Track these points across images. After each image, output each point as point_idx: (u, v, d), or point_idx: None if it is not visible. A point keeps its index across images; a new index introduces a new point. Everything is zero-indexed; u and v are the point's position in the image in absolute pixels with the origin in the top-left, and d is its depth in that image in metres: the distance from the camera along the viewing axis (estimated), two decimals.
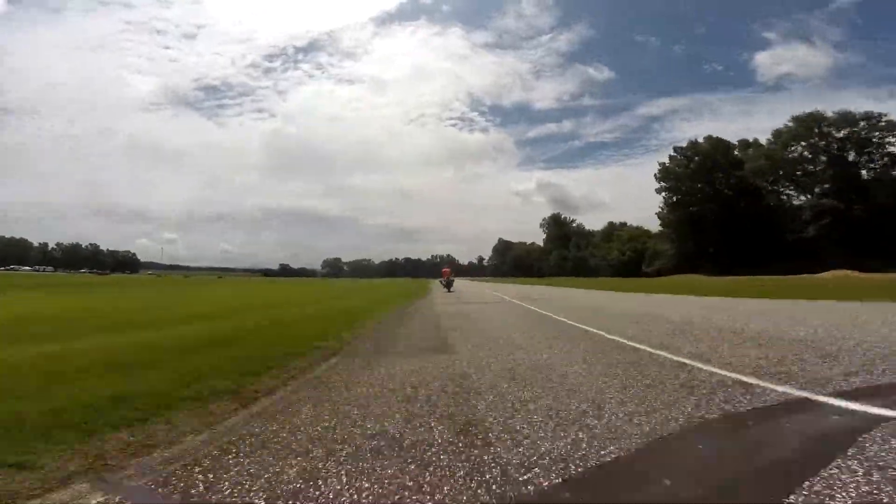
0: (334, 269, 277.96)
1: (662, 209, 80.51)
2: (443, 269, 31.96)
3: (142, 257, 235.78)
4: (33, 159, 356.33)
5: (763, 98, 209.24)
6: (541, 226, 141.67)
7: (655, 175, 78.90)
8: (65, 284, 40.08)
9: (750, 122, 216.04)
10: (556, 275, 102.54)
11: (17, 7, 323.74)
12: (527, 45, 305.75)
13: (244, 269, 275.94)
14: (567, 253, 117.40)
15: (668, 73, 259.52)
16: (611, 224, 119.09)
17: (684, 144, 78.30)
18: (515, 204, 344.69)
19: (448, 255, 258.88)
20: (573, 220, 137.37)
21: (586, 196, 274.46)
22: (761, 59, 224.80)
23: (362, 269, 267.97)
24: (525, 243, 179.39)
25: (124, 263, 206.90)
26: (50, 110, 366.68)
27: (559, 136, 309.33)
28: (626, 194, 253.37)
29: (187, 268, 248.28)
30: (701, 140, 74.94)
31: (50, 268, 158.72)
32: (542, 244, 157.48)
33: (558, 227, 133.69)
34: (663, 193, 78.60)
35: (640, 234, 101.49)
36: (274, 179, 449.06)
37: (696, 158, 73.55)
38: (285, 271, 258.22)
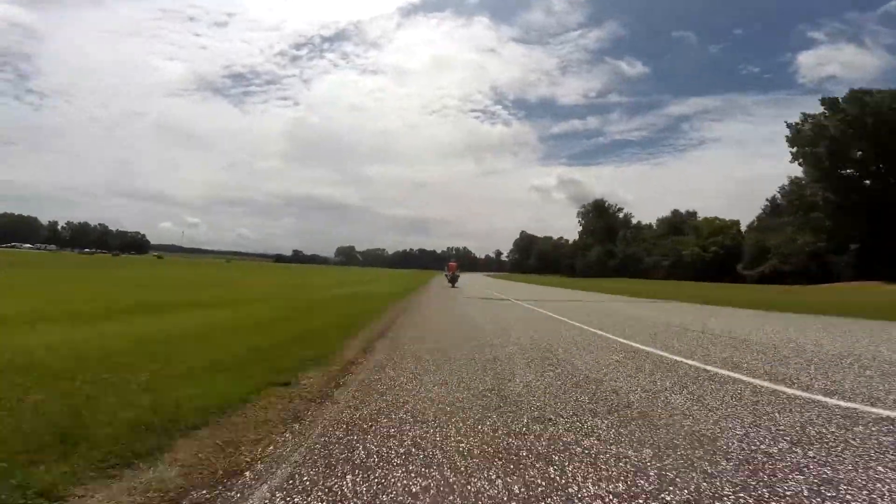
0: (347, 257, 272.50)
1: (795, 185, 57.08)
2: (448, 263, 28.93)
3: (163, 240, 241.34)
4: (67, 141, 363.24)
5: (800, 100, 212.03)
6: (578, 214, 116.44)
7: (787, 137, 54.77)
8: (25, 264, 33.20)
9: (783, 126, 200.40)
10: (596, 275, 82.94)
11: None
12: (554, 40, 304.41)
13: (258, 254, 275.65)
14: (613, 248, 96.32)
15: (701, 73, 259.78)
16: (676, 213, 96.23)
17: (841, 93, 52.27)
18: (534, 200, 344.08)
19: (463, 248, 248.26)
20: (620, 209, 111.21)
21: (607, 194, 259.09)
22: (804, 59, 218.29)
23: (375, 259, 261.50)
24: (551, 238, 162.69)
25: (133, 244, 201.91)
26: (84, 94, 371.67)
27: (583, 133, 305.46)
28: (650, 194, 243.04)
29: (204, 251, 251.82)
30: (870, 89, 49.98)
31: (53, 246, 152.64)
32: (572, 238, 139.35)
33: (601, 217, 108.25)
34: (799, 162, 54.55)
35: (725, 225, 79.97)
36: (293, 167, 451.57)
37: (867, 113, 47.59)
38: (298, 258, 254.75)
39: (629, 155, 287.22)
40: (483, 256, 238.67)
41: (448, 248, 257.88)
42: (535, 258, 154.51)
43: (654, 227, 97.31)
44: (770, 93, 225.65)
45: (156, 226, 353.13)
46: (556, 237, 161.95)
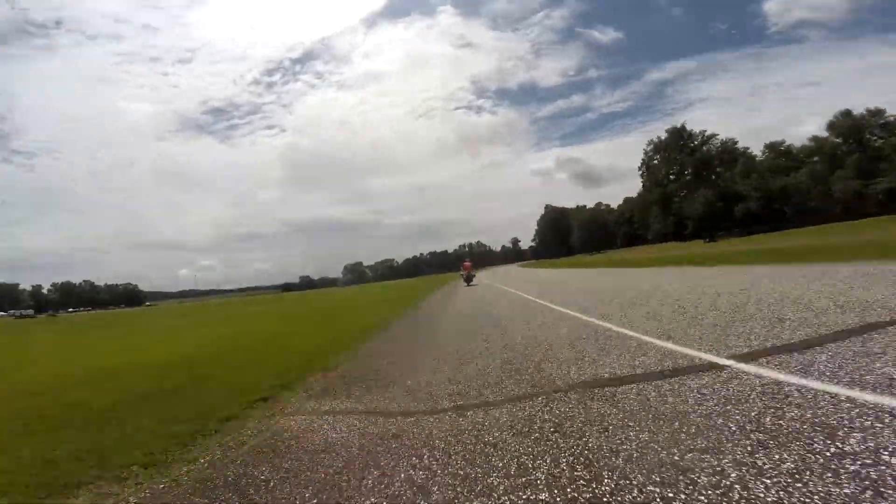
0: (356, 274, 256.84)
1: None
2: (463, 263, 27.74)
3: (182, 286, 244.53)
4: (67, 199, 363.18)
5: (775, 52, 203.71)
6: (643, 161, 75.60)
7: None
8: None
9: (766, 77, 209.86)
10: (696, 237, 55.80)
11: (8, 47, 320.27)
12: (522, 25, 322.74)
13: (275, 285, 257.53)
14: (726, 188, 58.35)
15: (672, 36, 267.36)
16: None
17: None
18: (537, 184, 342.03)
19: (477, 243, 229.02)
20: (705, 134, 67.77)
21: (610, 167, 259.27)
22: (770, 6, 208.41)
23: (385, 271, 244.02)
24: (585, 206, 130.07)
25: (124, 297, 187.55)
26: (70, 148, 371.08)
27: (571, 111, 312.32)
28: None
29: (223, 291, 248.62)
30: None
31: (30, 311, 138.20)
32: (616, 206, 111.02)
33: (679, 152, 68.32)
34: None
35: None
36: (294, 193, 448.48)
37: None
38: (306, 283, 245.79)
39: (621, 126, 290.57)
40: (499, 249, 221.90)
41: (460, 245, 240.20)
42: (568, 235, 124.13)
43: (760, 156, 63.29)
44: (744, 47, 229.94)
45: (174, 274, 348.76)
46: (593, 204, 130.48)
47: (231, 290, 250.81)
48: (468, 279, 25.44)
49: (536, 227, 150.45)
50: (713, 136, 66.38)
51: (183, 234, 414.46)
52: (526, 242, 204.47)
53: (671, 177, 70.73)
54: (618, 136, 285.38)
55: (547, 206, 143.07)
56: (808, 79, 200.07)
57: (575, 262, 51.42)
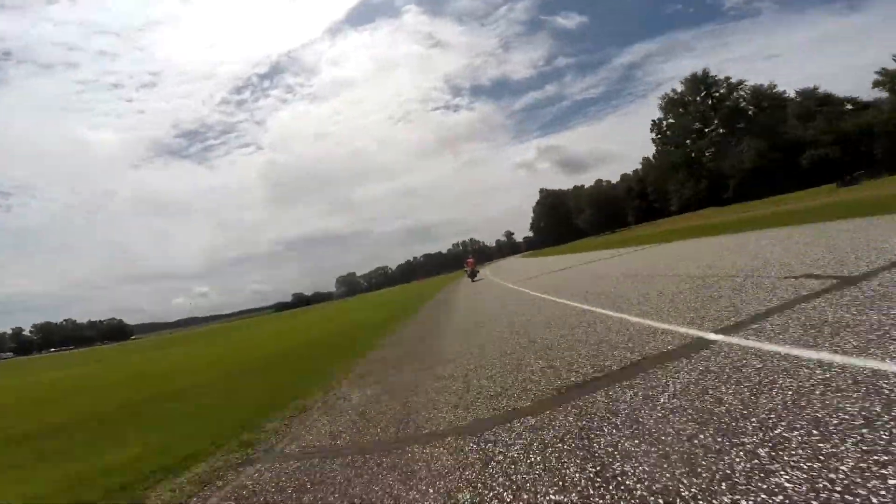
0: (350, 285, 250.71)
1: None
2: (466, 260, 28.11)
3: (181, 315, 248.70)
4: (52, 237, 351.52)
5: (732, 28, 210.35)
6: (654, 124, 65.52)
7: None
8: None
9: (728, 53, 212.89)
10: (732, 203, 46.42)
11: None
12: (488, 21, 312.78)
13: (270, 305, 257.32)
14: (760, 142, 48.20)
15: (633, 19, 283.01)
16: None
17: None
18: (522, 177, 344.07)
19: (470, 240, 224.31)
20: (730, 81, 57.44)
21: (591, 151, 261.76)
22: None
23: (380, 279, 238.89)
24: (583, 187, 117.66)
25: (110, 333, 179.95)
26: (46, 184, 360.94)
27: (545, 101, 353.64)
28: (632, 140, 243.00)
29: (221, 316, 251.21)
30: None
31: (9, 354, 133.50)
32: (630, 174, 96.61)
33: (700, 104, 58.61)
34: None
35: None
36: (280, 210, 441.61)
37: None
38: (301, 300, 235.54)
39: (596, 112, 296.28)
40: (494, 244, 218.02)
41: (454, 244, 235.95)
42: (567, 220, 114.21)
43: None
44: (702, 26, 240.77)
45: (169, 304, 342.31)
46: (593, 182, 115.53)
47: (229, 315, 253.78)
48: (472, 275, 25.27)
49: (532, 216, 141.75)
50: (741, 82, 55.85)
51: (173, 263, 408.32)
52: (520, 234, 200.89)
53: (694, 134, 60.56)
54: (594, 121, 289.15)
55: (542, 191, 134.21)
56: (769, 51, 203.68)
57: (584, 245, 45.42)
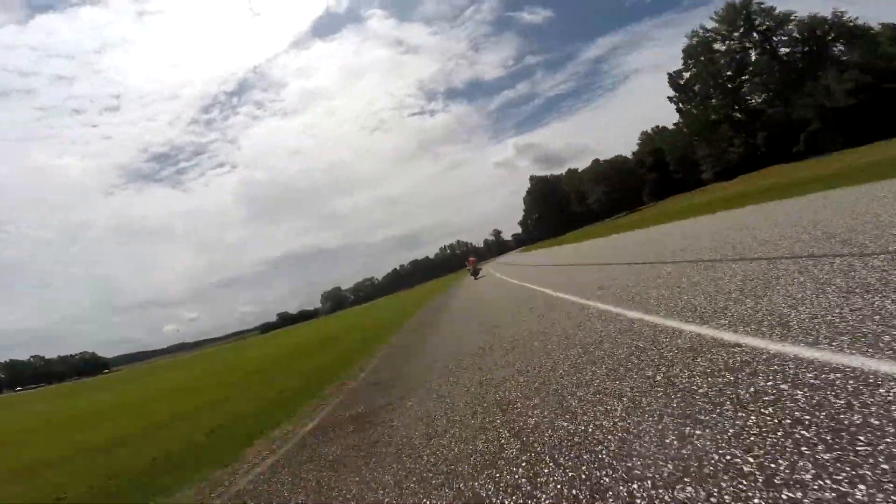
0: (335, 300, 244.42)
1: None
2: (468, 259, 30.43)
3: (170, 342, 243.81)
4: (30, 275, 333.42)
5: (689, 16, 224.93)
6: (671, 77, 54.70)
7: None
8: None
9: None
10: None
11: None
12: (456, 23, 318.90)
13: (254, 327, 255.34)
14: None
15: (593, 11, 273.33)
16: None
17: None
18: (502, 175, 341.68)
19: (458, 242, 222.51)
20: (775, 11, 44.57)
21: (567, 146, 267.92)
22: None
23: (367, 290, 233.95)
24: (576, 170, 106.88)
25: (84, 368, 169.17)
26: (17, 217, 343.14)
27: (519, 100, 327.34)
28: (606, 132, 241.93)
29: (213, 340, 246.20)
30: None
31: None
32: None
33: (739, 41, 47.18)
34: None
35: None
36: (262, 229, 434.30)
37: None
38: (287, 319, 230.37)
39: (567, 107, 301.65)
40: (482, 244, 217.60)
41: (441, 248, 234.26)
42: (564, 206, 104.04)
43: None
44: (660, 16, 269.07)
45: (159, 331, 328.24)
46: (599, 160, 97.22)
47: (219, 339, 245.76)
48: (475, 273, 26.61)
49: (524, 208, 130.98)
50: (790, 13, 43.48)
51: (159, 291, 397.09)
52: (508, 232, 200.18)
53: (739, 78, 47.85)
54: (568, 116, 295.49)
55: (532, 178, 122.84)
56: None
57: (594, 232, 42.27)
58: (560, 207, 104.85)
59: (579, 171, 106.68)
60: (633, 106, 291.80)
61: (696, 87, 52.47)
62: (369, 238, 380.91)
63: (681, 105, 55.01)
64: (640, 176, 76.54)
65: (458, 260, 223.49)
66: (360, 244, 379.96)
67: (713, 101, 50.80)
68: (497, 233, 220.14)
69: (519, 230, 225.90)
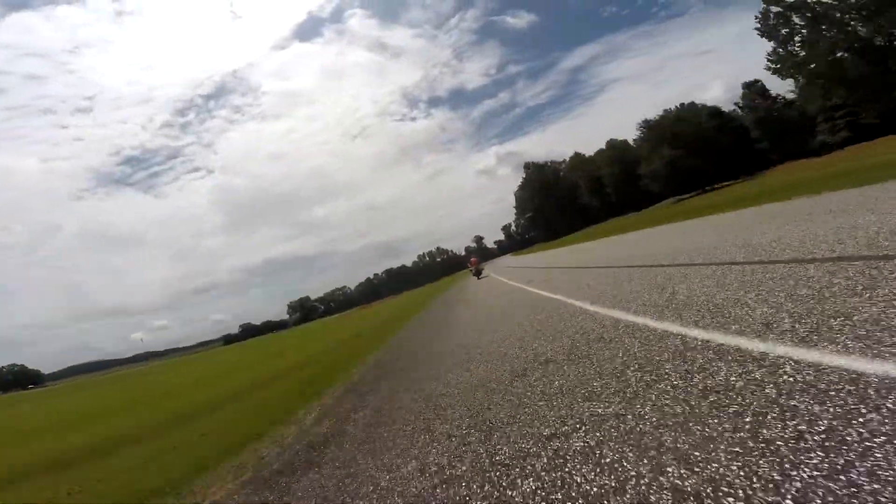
0: (304, 311, 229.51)
1: None
2: (470, 260, 31.57)
3: (138, 350, 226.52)
4: None
5: (665, 27, 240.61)
6: (758, 19, 37.12)
7: None
8: None
9: (665, 51, 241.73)
10: None
11: None
12: (441, 32, 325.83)
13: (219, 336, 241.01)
14: None
15: (574, 23, 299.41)
16: None
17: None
18: (484, 183, 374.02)
19: (437, 249, 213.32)
20: None
21: (548, 154, 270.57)
22: None
23: (338, 301, 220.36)
24: (581, 155, 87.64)
25: (9, 381, 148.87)
26: None
27: (500, 109, 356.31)
28: (586, 140, 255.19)
29: (181, 349, 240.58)
30: None
31: None
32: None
33: None
34: None
35: None
36: (240, 235, 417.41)
37: None
38: (251, 331, 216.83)
39: (548, 116, 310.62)
40: (463, 252, 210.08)
41: (420, 256, 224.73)
42: (568, 201, 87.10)
43: None
44: (637, 26, 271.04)
45: (128, 339, 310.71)
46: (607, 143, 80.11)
47: (187, 348, 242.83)
48: (478, 273, 26.98)
49: (515, 206, 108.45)
50: None
51: (128, 298, 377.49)
52: (491, 239, 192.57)
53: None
54: (548, 125, 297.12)
55: (527, 166, 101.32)
56: (702, 48, 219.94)
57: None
58: (563, 202, 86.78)
59: (587, 155, 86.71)
60: (610, 115, 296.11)
61: (804, 30, 35.69)
62: (348, 246, 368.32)
63: (772, 59, 38.31)
64: (719, 139, 52.94)
65: (438, 269, 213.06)
66: (340, 252, 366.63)
67: (827, 33, 33.86)
68: (479, 239, 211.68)
69: (502, 237, 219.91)
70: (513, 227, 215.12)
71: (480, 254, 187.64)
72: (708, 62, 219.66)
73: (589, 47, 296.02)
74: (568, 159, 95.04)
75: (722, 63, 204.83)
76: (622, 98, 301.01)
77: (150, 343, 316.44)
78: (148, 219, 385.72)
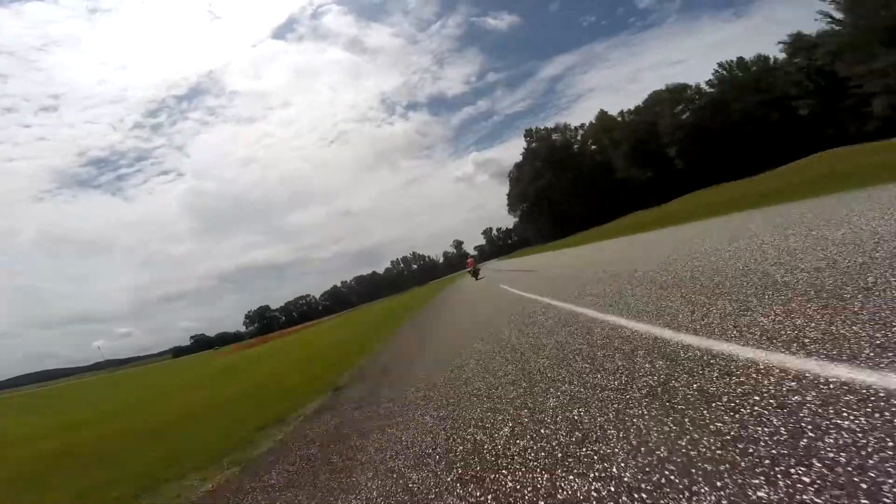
0: (262, 321, 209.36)
1: None
2: (467, 261, 29.42)
3: (98, 358, 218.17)
4: None
5: (640, 38, 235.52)
6: None
7: None
8: None
9: (639, 62, 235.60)
10: None
11: None
12: (422, 37, 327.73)
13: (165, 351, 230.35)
14: None
15: (555, 32, 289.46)
16: None
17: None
18: (462, 190, 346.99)
19: (413, 254, 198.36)
20: None
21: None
22: None
23: (301, 311, 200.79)
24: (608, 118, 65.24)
25: None
26: None
27: (479, 117, 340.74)
28: None
29: (143, 358, 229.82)
30: None
31: None
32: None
33: None
34: None
35: None
36: (211, 241, 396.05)
37: None
38: (203, 343, 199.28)
39: (526, 124, 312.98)
40: (441, 258, 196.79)
41: (393, 262, 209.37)
42: (593, 177, 64.75)
43: None
44: (613, 36, 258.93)
45: (89, 347, 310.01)
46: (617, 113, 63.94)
47: (151, 357, 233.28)
48: (475, 273, 25.45)
49: (508, 194, 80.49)
50: None
51: (93, 304, 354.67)
52: (470, 245, 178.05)
53: None
54: (525, 135, 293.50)
55: (530, 134, 75.29)
56: (674, 58, 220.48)
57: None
58: (586, 182, 63.46)
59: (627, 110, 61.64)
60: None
61: None
62: (322, 253, 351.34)
63: None
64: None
65: (413, 277, 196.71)
66: (314, 259, 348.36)
67: None
68: (458, 244, 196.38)
69: (482, 242, 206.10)
70: (494, 233, 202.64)
71: (460, 260, 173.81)
72: (681, 72, 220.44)
73: (567, 56, 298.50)
74: (590, 122, 69.42)
75: (693, 73, 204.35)
76: (597, 107, 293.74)
77: (113, 350, 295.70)
78: (114, 222, 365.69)
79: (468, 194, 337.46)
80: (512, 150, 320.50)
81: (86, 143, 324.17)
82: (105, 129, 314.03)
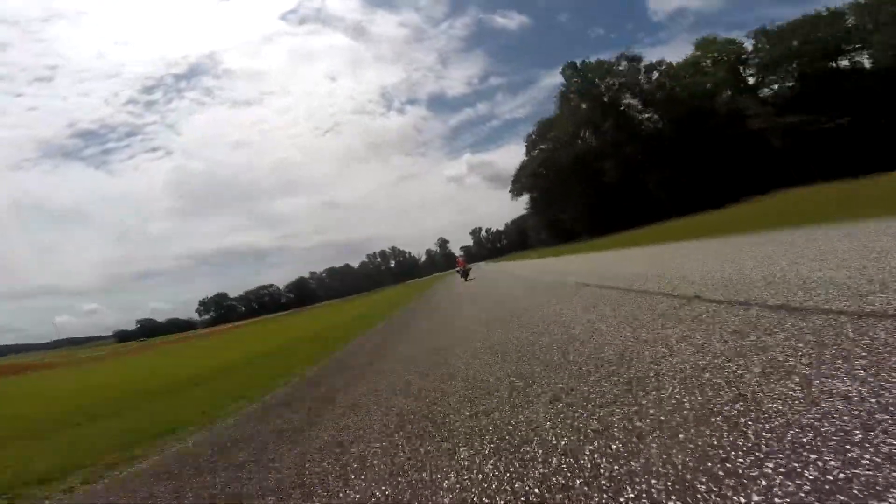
0: (219, 310, 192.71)
1: None
2: (457, 259, 28.95)
3: (62, 335, 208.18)
4: None
5: (646, 54, 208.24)
6: None
7: None
8: None
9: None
10: None
11: None
12: (429, 36, 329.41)
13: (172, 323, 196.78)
14: None
15: (560, 42, 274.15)
16: None
17: None
18: (453, 191, 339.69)
19: (392, 248, 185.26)
20: None
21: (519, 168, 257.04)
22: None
23: (262, 302, 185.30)
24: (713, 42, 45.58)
25: None
26: None
27: (478, 120, 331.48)
28: None
29: (104, 337, 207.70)
30: None
31: None
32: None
33: None
34: None
35: None
36: (192, 222, 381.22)
37: None
38: (145, 330, 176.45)
39: (524, 130, 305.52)
40: (424, 257, 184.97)
41: (369, 255, 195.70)
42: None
43: None
44: (622, 49, 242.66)
45: (51, 322, 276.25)
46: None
47: (108, 337, 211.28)
48: (465, 274, 24.56)
49: (523, 167, 58.39)
50: None
51: (60, 278, 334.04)
52: (456, 245, 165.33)
53: None
54: (522, 140, 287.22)
55: (569, 69, 50.19)
56: None
57: None
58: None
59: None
60: None
61: None
62: (303, 243, 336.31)
63: None
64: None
65: (391, 273, 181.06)
66: (295, 249, 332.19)
67: None
68: (444, 243, 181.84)
69: (470, 241, 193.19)
70: (483, 233, 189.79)
71: (445, 259, 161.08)
72: None
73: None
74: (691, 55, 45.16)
75: None
76: None
77: (76, 328, 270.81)
78: (95, 195, 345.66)
79: (459, 195, 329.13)
80: (508, 156, 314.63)
81: (76, 116, 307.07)
82: (96, 103, 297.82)
